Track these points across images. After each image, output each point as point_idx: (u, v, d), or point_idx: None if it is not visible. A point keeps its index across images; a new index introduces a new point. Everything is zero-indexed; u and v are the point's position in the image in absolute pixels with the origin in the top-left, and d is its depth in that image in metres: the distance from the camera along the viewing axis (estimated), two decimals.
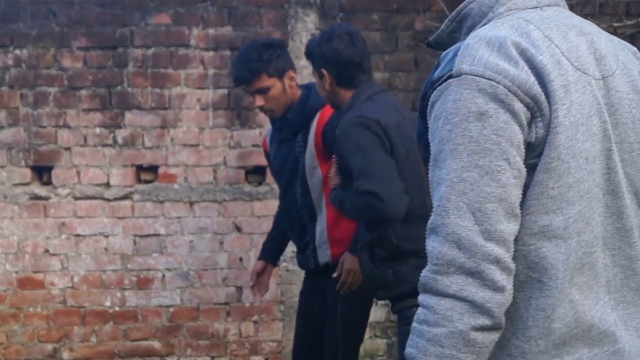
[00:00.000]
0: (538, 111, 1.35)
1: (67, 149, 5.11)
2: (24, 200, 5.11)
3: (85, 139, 5.11)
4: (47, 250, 5.12)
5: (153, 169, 5.16)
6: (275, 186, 5.17)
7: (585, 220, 1.38)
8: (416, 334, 1.36)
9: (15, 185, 5.11)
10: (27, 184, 5.12)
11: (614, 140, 1.42)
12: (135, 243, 5.14)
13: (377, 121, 3.14)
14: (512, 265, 1.34)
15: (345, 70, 3.25)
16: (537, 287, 1.36)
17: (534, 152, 1.36)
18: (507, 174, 1.32)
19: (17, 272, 5.12)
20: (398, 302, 3.14)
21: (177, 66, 5.12)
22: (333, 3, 5.14)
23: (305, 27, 5.09)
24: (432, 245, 1.35)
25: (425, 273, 1.35)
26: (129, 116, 5.11)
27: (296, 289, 4.62)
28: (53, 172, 5.12)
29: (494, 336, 1.35)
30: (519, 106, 1.33)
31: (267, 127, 5.15)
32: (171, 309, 5.17)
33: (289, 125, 3.68)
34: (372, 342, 5.00)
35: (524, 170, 1.35)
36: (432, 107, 1.38)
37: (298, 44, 5.08)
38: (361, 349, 5.06)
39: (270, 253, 4.01)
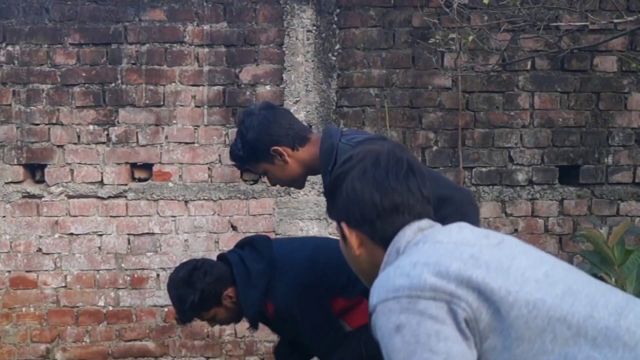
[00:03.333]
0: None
1: (60, 146, 5.06)
2: (17, 198, 5.06)
3: (78, 137, 5.06)
4: (40, 250, 5.07)
5: (147, 167, 5.11)
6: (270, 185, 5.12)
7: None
8: None
9: (8, 183, 5.06)
10: (19, 182, 5.07)
11: None
12: (129, 242, 5.09)
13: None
14: None
15: (292, 129, 3.08)
16: None
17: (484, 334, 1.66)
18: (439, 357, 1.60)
19: (9, 272, 5.08)
20: None
21: (172, 63, 5.06)
22: None
23: (302, 24, 5.02)
24: None
25: None
26: (122, 113, 5.06)
27: None
28: (46, 170, 5.07)
29: None
30: (424, 304, 1.64)
31: None
32: (166, 309, 5.11)
33: (252, 319, 3.54)
34: None
35: (456, 349, 1.61)
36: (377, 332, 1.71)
37: (294, 41, 5.02)
38: None
39: None
